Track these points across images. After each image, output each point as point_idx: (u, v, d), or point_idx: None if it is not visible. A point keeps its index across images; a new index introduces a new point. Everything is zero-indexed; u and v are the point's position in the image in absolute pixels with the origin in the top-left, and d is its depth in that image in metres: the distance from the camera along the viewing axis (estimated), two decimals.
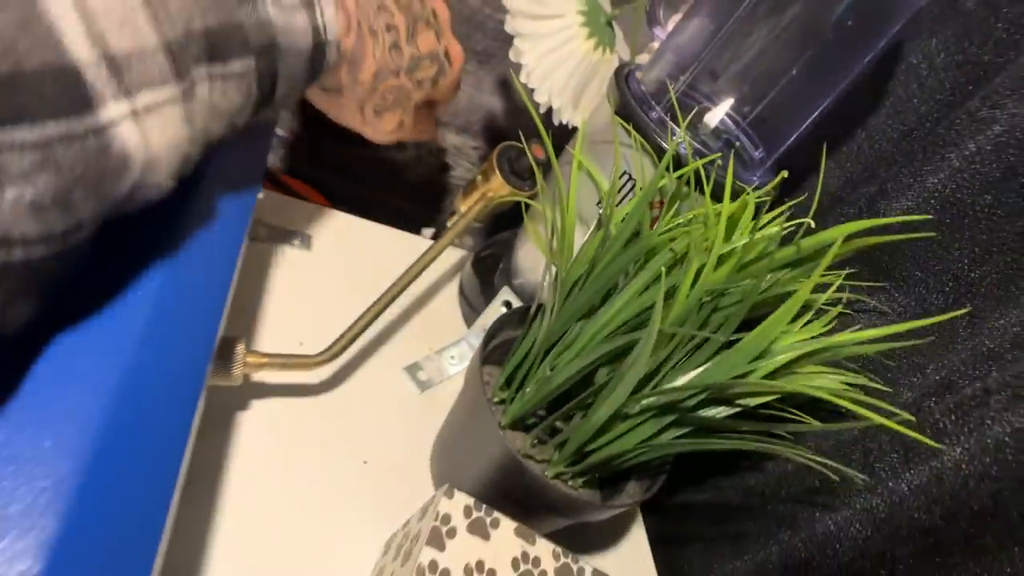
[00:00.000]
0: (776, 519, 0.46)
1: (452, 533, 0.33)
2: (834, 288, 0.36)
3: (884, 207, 0.42)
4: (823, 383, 0.36)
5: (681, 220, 0.38)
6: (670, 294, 0.35)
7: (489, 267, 0.58)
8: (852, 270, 0.43)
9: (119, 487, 0.22)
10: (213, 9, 0.23)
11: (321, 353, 0.41)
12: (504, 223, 0.65)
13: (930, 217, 0.39)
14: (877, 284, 0.43)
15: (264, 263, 0.49)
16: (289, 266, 0.50)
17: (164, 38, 0.21)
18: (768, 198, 0.39)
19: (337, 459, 0.43)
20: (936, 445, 0.38)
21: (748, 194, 0.38)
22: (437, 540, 0.32)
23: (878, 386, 0.40)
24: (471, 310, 0.57)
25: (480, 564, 0.32)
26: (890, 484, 0.40)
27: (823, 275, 0.34)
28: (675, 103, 0.40)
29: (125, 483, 0.23)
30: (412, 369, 0.51)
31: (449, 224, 0.51)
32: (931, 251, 0.40)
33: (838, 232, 0.35)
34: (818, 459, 0.35)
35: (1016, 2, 0.37)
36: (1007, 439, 0.35)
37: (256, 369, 0.38)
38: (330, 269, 0.52)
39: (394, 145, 0.66)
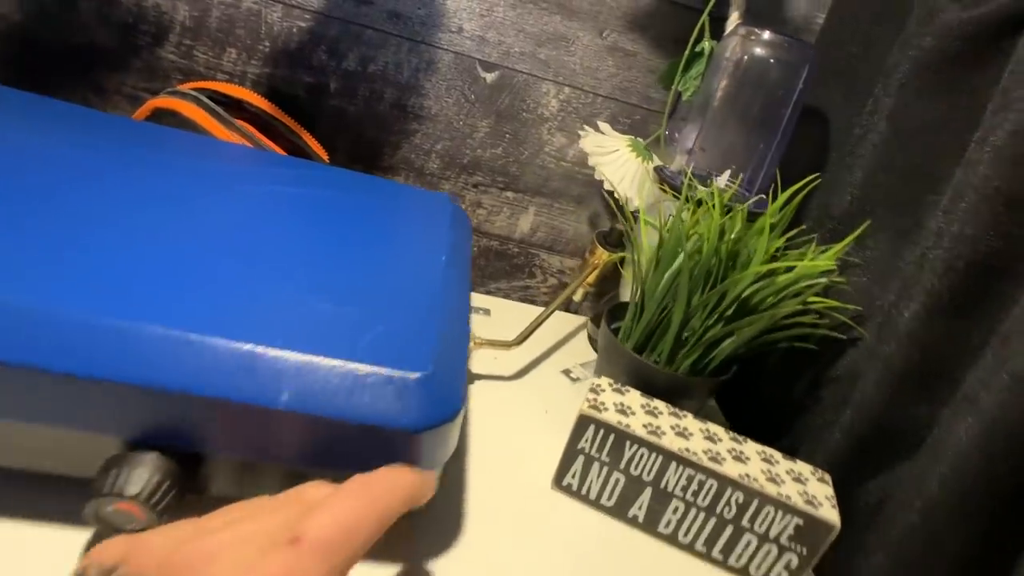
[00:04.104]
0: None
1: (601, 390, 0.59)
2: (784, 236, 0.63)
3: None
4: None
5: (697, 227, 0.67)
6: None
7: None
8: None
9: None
10: None
11: (513, 339, 0.71)
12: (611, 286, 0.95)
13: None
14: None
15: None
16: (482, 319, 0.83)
17: None
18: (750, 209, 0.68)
19: (526, 407, 0.70)
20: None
21: (740, 208, 0.67)
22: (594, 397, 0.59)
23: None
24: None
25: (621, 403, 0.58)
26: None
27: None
28: (688, 173, 0.72)
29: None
30: (565, 372, 0.79)
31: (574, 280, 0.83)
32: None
33: (780, 200, 0.64)
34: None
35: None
36: None
37: (478, 345, 0.69)
38: (509, 328, 0.84)
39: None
